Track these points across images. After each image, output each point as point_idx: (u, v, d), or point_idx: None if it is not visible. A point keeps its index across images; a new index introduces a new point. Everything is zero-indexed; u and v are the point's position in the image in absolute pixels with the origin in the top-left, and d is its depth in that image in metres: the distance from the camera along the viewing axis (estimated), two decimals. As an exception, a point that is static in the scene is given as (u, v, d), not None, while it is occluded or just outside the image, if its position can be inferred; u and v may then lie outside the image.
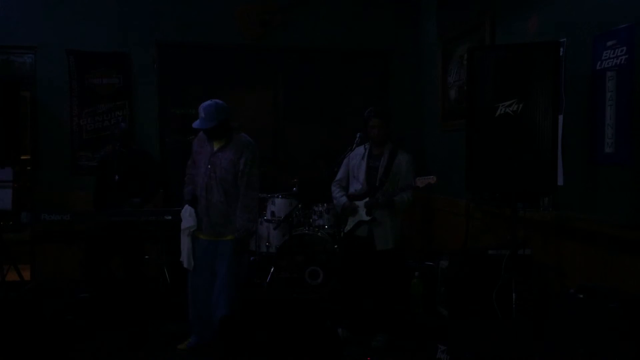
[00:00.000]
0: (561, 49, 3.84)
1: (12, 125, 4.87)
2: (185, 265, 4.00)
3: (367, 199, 4.15)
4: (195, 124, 3.86)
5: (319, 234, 5.40)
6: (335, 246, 5.27)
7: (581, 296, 3.05)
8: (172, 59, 6.22)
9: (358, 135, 4.31)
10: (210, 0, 6.24)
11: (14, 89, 4.96)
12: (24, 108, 5.69)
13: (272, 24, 6.34)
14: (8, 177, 5.17)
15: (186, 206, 3.96)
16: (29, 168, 6.17)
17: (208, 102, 3.85)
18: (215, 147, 3.95)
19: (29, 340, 3.96)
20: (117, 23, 6.06)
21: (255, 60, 6.41)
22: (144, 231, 4.68)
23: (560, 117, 3.81)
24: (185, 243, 3.96)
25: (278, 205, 5.64)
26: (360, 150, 4.30)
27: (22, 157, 5.48)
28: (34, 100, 6.00)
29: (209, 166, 3.93)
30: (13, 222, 5.10)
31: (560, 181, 3.83)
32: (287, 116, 6.59)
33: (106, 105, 6.08)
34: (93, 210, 4.79)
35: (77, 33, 5.99)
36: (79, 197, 5.71)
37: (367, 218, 4.14)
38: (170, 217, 4.25)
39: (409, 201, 4.15)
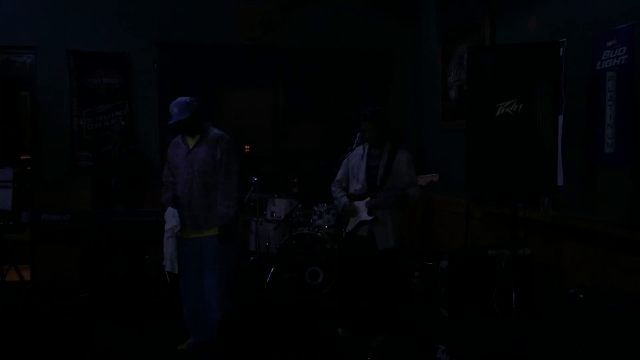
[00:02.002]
0: (561, 49, 3.84)
1: (12, 125, 4.86)
2: (168, 269, 4.01)
3: (368, 199, 4.15)
4: (171, 121, 3.97)
5: (319, 234, 5.40)
6: (335, 246, 5.27)
7: (581, 296, 3.05)
8: (172, 59, 6.21)
9: (358, 136, 4.30)
10: (210, 0, 6.25)
11: (14, 89, 4.95)
12: (24, 108, 5.68)
13: (272, 24, 6.34)
14: (8, 177, 5.17)
15: (169, 208, 3.98)
16: (29, 168, 6.16)
17: (178, 99, 4.00)
18: (191, 144, 4.03)
19: (29, 340, 3.96)
20: (117, 23, 6.07)
21: (255, 60, 6.41)
22: (144, 231, 4.68)
23: (560, 117, 3.81)
24: (168, 246, 3.97)
25: (278, 205, 5.64)
26: (359, 150, 4.30)
27: (22, 157, 5.46)
28: (34, 100, 6.00)
29: (187, 163, 3.98)
30: (13, 222, 5.09)
31: (560, 181, 3.83)
32: (287, 116, 6.59)
33: (106, 105, 6.08)
34: (93, 210, 4.79)
35: (77, 33, 5.99)
36: (79, 197, 5.71)
37: (368, 218, 4.13)
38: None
39: (415, 198, 4.15)
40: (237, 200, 4.05)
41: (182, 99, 3.99)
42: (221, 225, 3.94)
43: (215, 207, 3.97)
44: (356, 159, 4.29)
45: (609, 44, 3.52)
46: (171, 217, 3.95)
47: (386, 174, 4.14)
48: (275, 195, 5.69)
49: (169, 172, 4.16)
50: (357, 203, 4.22)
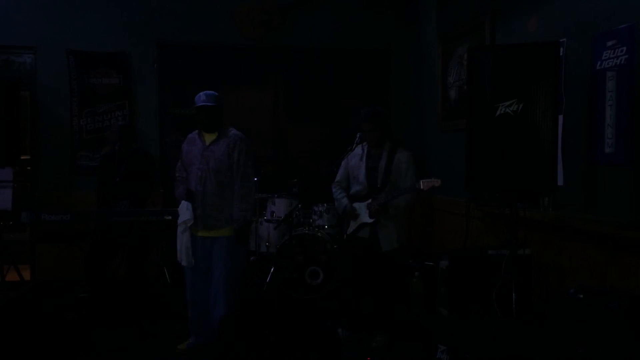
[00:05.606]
0: (561, 49, 3.84)
1: (12, 125, 4.87)
2: (183, 263, 3.99)
3: (369, 201, 4.14)
4: (198, 103, 3.97)
5: (319, 234, 5.40)
6: (335, 246, 5.27)
7: (581, 296, 3.04)
8: (172, 59, 6.22)
9: (358, 135, 4.30)
10: (210, 0, 6.25)
11: (14, 89, 4.96)
12: (24, 108, 5.69)
13: (272, 24, 6.35)
14: (8, 177, 5.18)
15: (183, 202, 3.98)
16: (29, 168, 6.17)
17: (205, 91, 4.03)
18: (207, 142, 4.02)
19: (29, 340, 3.96)
20: (117, 23, 6.07)
21: (255, 60, 6.41)
22: (144, 231, 4.68)
23: (560, 117, 3.81)
24: (182, 240, 3.96)
25: (278, 205, 5.63)
26: (358, 150, 4.27)
27: (22, 157, 5.47)
28: (34, 100, 6.00)
29: (203, 160, 3.97)
30: (13, 222, 5.09)
31: (560, 181, 3.83)
32: (287, 116, 6.59)
33: (106, 105, 6.09)
34: (93, 210, 4.80)
35: (77, 33, 6.00)
36: (79, 197, 5.72)
37: (369, 220, 4.13)
38: (170, 217, 4.25)
39: (408, 204, 4.16)
40: (253, 204, 4.07)
41: (211, 91, 4.03)
42: (237, 228, 3.96)
43: (226, 207, 3.97)
44: (355, 159, 4.27)
45: (609, 44, 3.52)
46: (185, 211, 3.94)
47: (386, 174, 4.13)
48: (275, 195, 5.69)
49: (182, 167, 4.16)
50: (357, 205, 4.21)
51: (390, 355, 4.07)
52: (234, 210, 3.96)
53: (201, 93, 3.99)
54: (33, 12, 5.92)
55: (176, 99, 6.23)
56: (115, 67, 6.08)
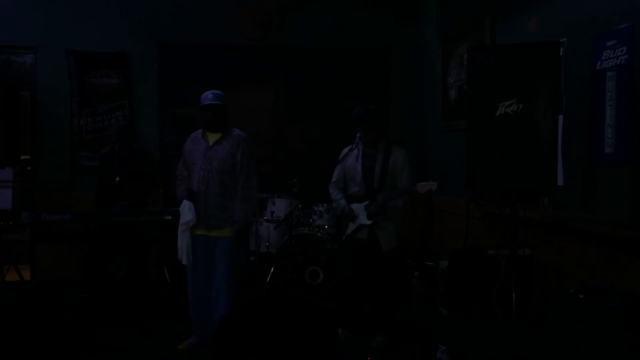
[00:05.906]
0: (561, 49, 3.84)
1: (12, 125, 4.87)
2: (183, 262, 3.99)
3: (367, 202, 4.14)
4: (205, 102, 3.97)
5: (319, 234, 5.40)
6: (335, 246, 5.27)
7: (581, 296, 3.05)
8: (172, 59, 6.22)
9: (358, 135, 4.30)
10: (210, 0, 6.25)
11: (14, 89, 4.95)
12: (24, 108, 5.69)
13: (272, 24, 6.35)
14: (8, 177, 5.17)
15: (185, 201, 3.97)
16: (29, 168, 6.17)
17: (212, 90, 4.04)
18: (211, 142, 4.01)
19: (29, 340, 3.96)
20: (117, 23, 6.07)
21: (255, 60, 6.41)
22: (144, 231, 4.68)
23: (560, 117, 3.80)
24: (183, 239, 3.96)
25: (278, 205, 5.63)
26: (354, 151, 4.28)
27: (22, 157, 5.47)
28: (34, 100, 6.00)
29: (206, 160, 3.96)
30: (13, 222, 5.09)
31: (560, 181, 3.83)
32: (287, 116, 6.59)
33: (106, 105, 6.09)
34: (93, 210, 4.79)
35: (77, 33, 6.00)
36: (79, 197, 5.71)
37: (368, 222, 4.13)
38: (170, 217, 4.25)
39: (405, 205, 4.16)
40: (255, 206, 4.07)
41: (217, 91, 4.04)
42: (238, 228, 3.95)
43: (229, 207, 3.97)
44: (351, 160, 4.26)
45: (609, 44, 3.52)
46: (187, 211, 3.93)
47: (383, 175, 4.13)
48: (275, 195, 5.69)
49: (184, 166, 4.15)
50: (355, 206, 4.21)
51: (390, 355, 4.07)
52: (235, 211, 3.96)
53: (208, 92, 4.00)
54: (33, 12, 5.91)
55: (176, 99, 6.23)
56: (115, 67, 6.08)
